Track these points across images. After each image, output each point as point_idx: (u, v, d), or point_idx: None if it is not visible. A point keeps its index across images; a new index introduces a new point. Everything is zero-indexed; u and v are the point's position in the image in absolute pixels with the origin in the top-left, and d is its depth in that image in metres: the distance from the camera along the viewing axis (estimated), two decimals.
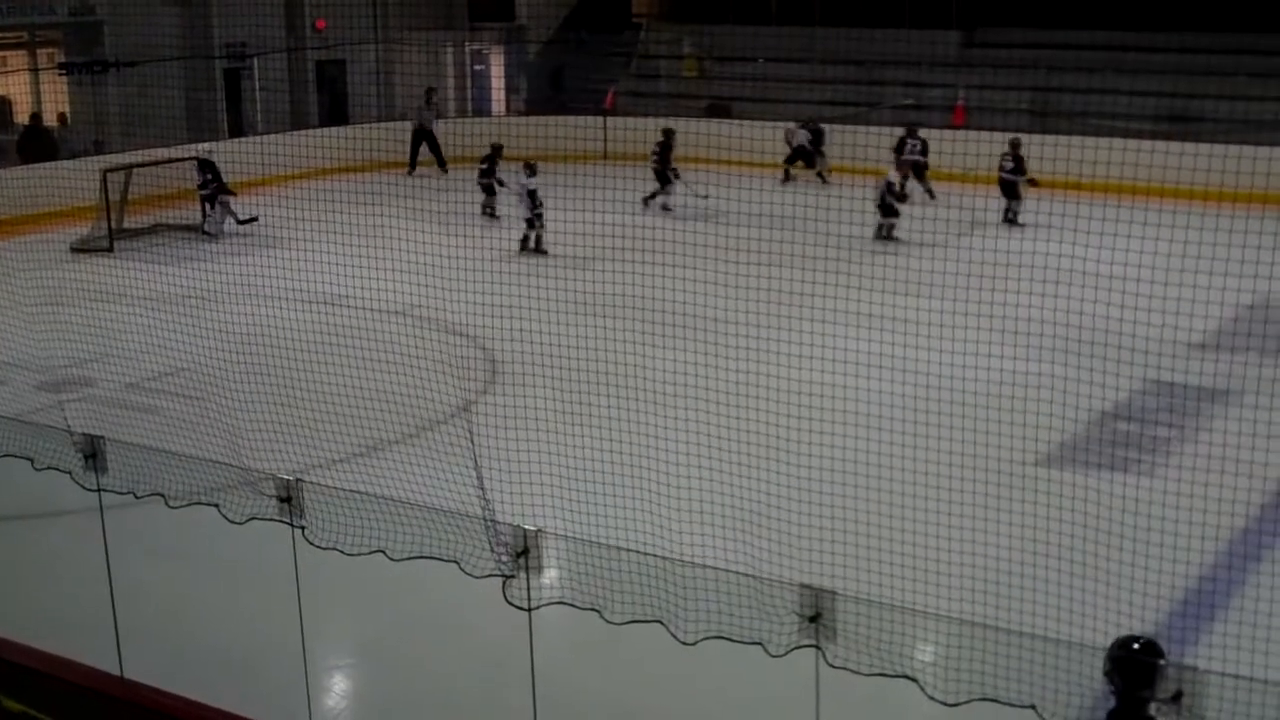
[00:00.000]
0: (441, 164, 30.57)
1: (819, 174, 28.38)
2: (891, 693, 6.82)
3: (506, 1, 38.00)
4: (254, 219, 25.07)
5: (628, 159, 25.72)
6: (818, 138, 28.55)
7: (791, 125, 28.98)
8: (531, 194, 22.83)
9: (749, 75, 34.02)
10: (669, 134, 26.89)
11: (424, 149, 31.02)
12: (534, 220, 22.86)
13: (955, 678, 6.44)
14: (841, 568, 8.55)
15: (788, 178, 28.30)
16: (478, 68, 38.38)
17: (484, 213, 25.56)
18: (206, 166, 25.16)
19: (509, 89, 38.38)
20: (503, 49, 38.34)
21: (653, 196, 26.49)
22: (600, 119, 31.17)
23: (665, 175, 26.74)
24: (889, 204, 23.43)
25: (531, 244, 22.96)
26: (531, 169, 23.12)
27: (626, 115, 31.66)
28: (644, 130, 28.30)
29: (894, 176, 23.94)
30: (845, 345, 12.25)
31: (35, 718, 7.30)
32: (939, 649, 6.81)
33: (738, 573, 7.03)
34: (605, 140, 30.04)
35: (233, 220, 25.19)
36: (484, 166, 25.96)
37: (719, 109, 32.63)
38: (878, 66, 31.88)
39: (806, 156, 28.68)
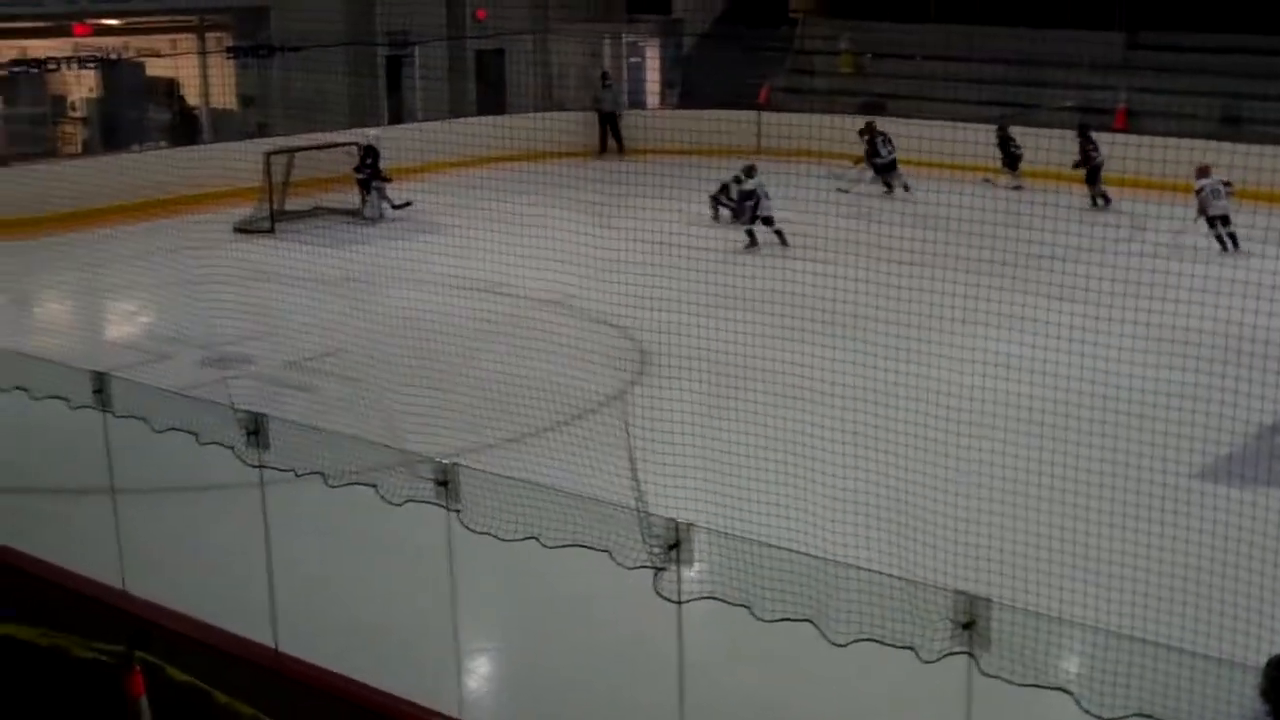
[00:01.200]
0: (620, 146, 31.78)
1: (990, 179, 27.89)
2: (1043, 704, 6.71)
3: None
4: (408, 204, 25.45)
5: (781, 155, 25.62)
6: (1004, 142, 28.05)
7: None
8: (748, 194, 22.77)
9: (906, 73, 33.66)
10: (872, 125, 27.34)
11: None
12: (758, 220, 22.83)
13: (1110, 692, 6.32)
14: (994, 574, 8.45)
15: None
16: (633, 60, 38.52)
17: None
18: (369, 152, 25.60)
19: (664, 82, 38.46)
20: (658, 42, 38.42)
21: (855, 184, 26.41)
22: (754, 114, 31.09)
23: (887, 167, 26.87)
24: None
25: (777, 239, 22.71)
26: (749, 171, 23.15)
27: (781, 111, 31.51)
28: (798, 126, 28.14)
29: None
30: (1001, 349, 12.11)
31: (198, 687, 7.50)
32: (1094, 662, 6.69)
33: (891, 575, 6.97)
34: (759, 136, 29.95)
35: (388, 205, 25.61)
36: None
37: (874, 107, 32.33)
38: (1038, 67, 31.33)
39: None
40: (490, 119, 30.89)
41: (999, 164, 27.13)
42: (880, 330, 14.32)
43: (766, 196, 22.88)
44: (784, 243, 22.30)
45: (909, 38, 34.19)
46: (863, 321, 14.34)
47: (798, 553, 7.16)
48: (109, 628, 8.38)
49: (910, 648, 6.65)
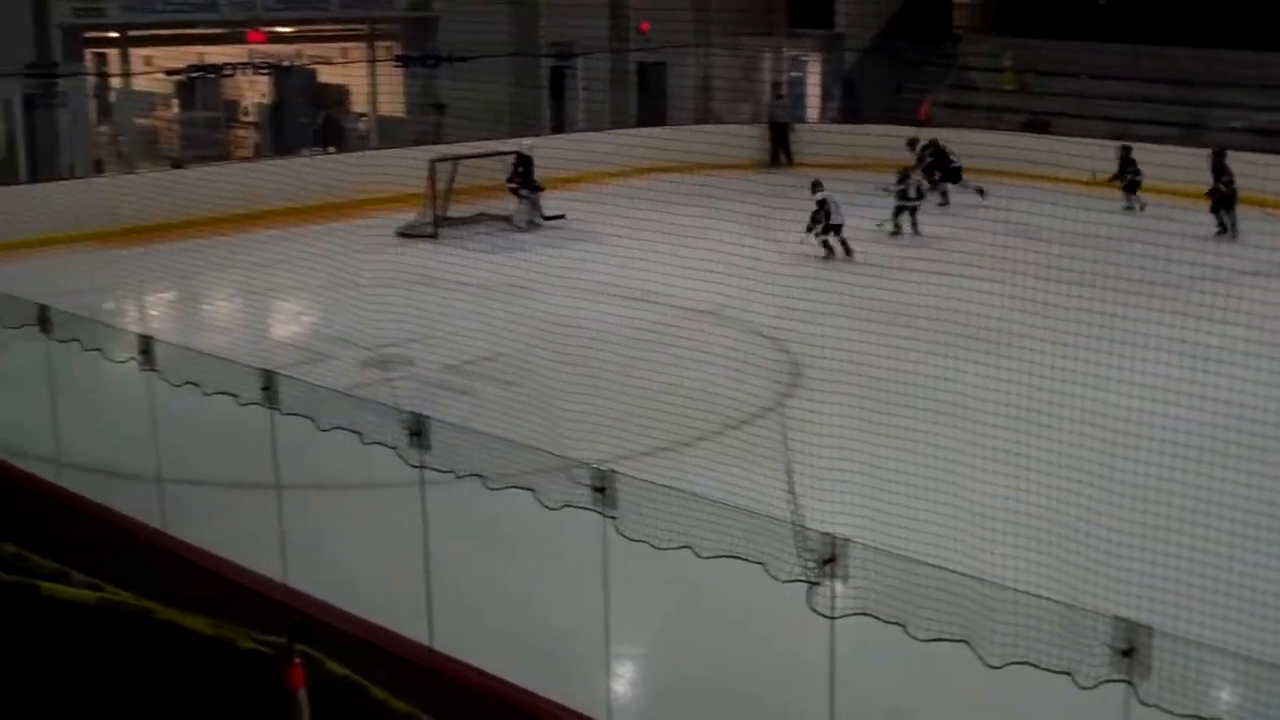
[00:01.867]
0: (789, 158, 32.02)
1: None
2: None
3: (826, 9, 37.92)
4: (560, 217, 25.65)
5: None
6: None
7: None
8: (822, 203, 22.87)
9: (1070, 91, 33.14)
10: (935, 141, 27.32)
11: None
12: (827, 229, 23.00)
13: None
14: (1153, 601, 8.29)
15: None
16: (794, 74, 38.47)
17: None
18: (521, 160, 25.89)
19: (824, 96, 38.35)
20: (819, 56, 38.33)
21: None
22: (915, 130, 30.85)
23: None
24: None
25: (838, 251, 22.95)
26: (815, 186, 23.25)
27: (942, 127, 31.22)
28: (958, 143, 27.94)
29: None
30: (1161, 372, 11.87)
31: (355, 681, 7.66)
32: (1254, 694, 6.54)
33: (1049, 599, 6.89)
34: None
35: (539, 215, 25.84)
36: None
37: (1037, 124, 31.90)
38: (1203, 87, 30.64)
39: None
40: (651, 130, 31.09)
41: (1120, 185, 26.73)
42: (1037, 349, 14.11)
43: (837, 206, 23.06)
44: (848, 252, 22.72)
45: (1073, 56, 33.66)
46: (1019, 340, 14.14)
47: (953, 572, 7.10)
48: (270, 620, 8.60)
49: (1067, 673, 6.57)
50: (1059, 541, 10.24)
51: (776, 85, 34.44)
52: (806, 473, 10.25)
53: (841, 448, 11.22)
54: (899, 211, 24.99)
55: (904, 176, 25.40)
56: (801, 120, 35.21)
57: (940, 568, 7.24)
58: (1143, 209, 25.51)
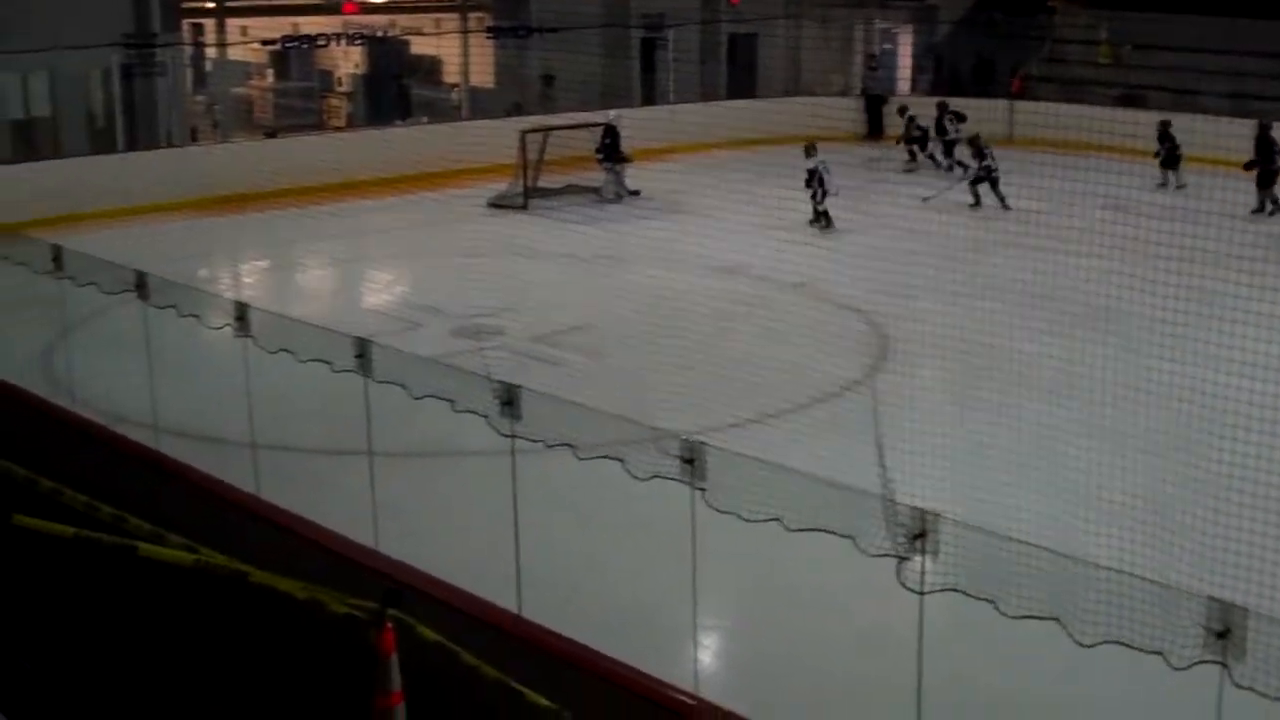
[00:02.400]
0: (881, 131, 32.30)
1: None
2: None
3: None
4: (637, 193, 25.63)
5: (1034, 144, 25.09)
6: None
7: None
8: (813, 171, 22.72)
9: (1165, 65, 32.60)
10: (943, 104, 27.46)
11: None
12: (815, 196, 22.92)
13: None
14: (1250, 583, 8.17)
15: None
16: (886, 46, 38.18)
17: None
18: (608, 132, 25.89)
19: (916, 69, 38.03)
20: (911, 28, 37.99)
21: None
22: (1007, 103, 30.54)
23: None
24: None
25: (820, 221, 22.90)
26: (809, 150, 23.11)
27: (1034, 100, 30.86)
28: (1051, 116, 27.56)
29: None
30: (1261, 349, 11.65)
31: (446, 647, 7.71)
32: None
33: (1142, 578, 6.80)
34: (1011, 124, 29.40)
35: (622, 188, 25.82)
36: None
37: (1132, 99, 31.42)
38: None
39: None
40: (742, 102, 31.02)
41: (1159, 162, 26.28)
42: (1132, 325, 13.95)
43: (828, 172, 22.86)
44: (828, 222, 22.45)
45: (1170, 29, 33.09)
46: (1115, 315, 13.98)
47: (1045, 549, 7.02)
48: (361, 585, 8.69)
49: (1159, 653, 6.48)
50: (1154, 519, 10.11)
51: (871, 57, 34.17)
52: (897, 447, 10.19)
53: (933, 422, 11.16)
54: (977, 181, 24.73)
55: (980, 148, 25.11)
56: (893, 93, 34.94)
57: (1032, 544, 7.16)
58: (1180, 187, 25.09)
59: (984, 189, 24.61)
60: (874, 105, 32.89)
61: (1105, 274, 13.43)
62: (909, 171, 27.89)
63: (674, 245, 19.45)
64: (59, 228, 19.43)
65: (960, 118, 28.28)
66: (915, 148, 29.28)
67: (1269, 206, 23.83)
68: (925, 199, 23.92)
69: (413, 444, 12.04)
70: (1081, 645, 6.72)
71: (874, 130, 32.34)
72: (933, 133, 28.80)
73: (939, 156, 28.52)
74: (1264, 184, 23.90)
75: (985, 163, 24.68)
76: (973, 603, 7.03)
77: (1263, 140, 24.17)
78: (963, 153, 26.72)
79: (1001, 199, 24.36)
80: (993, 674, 9.14)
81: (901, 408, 11.70)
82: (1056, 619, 6.79)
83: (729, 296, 16.04)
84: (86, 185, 23.00)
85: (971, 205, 24.49)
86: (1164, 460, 10.99)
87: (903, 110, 29.47)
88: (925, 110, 28.90)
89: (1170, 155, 26.11)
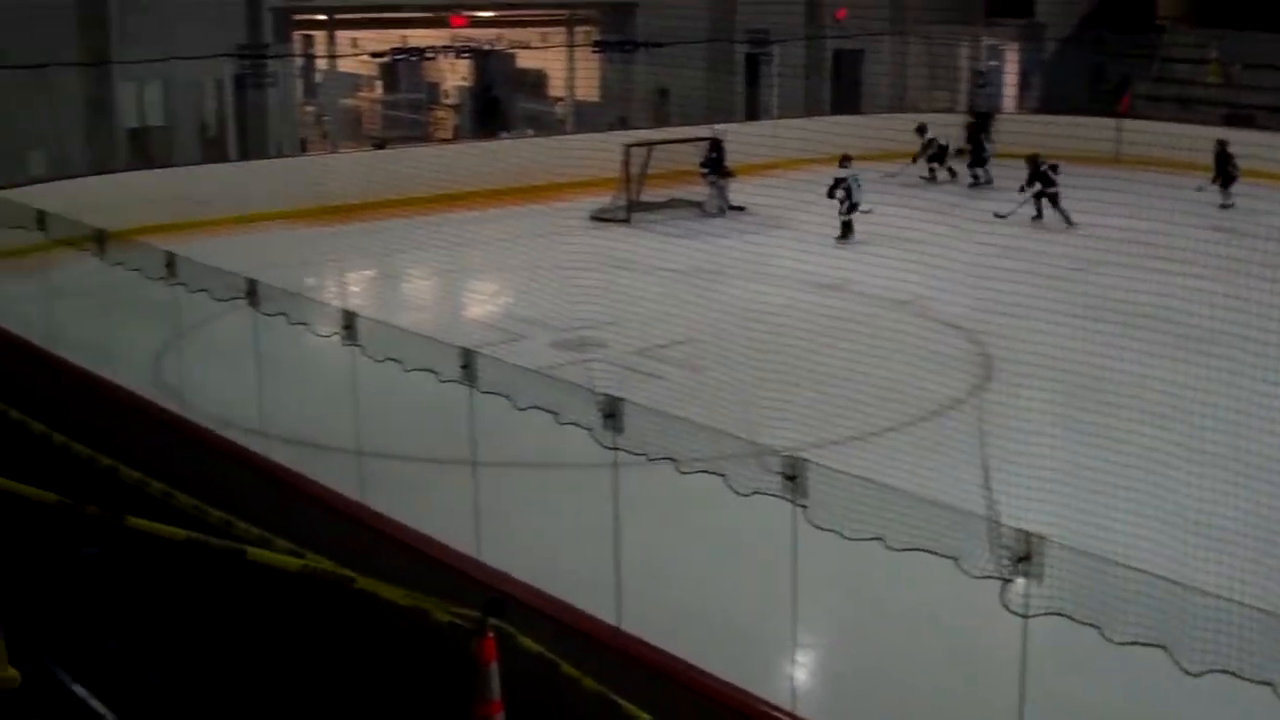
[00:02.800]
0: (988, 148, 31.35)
1: None
2: None
3: None
4: (741, 209, 25.64)
5: (1143, 163, 24.77)
6: None
7: None
8: (840, 180, 22.79)
9: (1276, 84, 32.05)
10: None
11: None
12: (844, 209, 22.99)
13: None
14: None
15: None
16: (991, 63, 37.89)
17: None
18: (713, 146, 25.93)
19: (1021, 85, 37.70)
20: (1017, 45, 37.68)
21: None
22: (1114, 121, 30.18)
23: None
24: None
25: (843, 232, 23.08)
26: (843, 161, 23.24)
27: (1142, 119, 30.47)
28: (1160, 135, 27.20)
29: None
30: None
31: (546, 658, 7.78)
32: None
33: (1251, 606, 6.70)
34: (1118, 143, 29.06)
35: (726, 203, 25.84)
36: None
37: (1240, 118, 30.93)
38: None
39: None
40: (845, 118, 30.94)
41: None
42: (1241, 349, 13.70)
43: (858, 186, 23.00)
44: (848, 234, 22.69)
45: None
46: (1221, 338, 13.75)
47: (1152, 575, 6.94)
48: (462, 593, 8.78)
49: (1269, 684, 6.39)
50: (1262, 546, 9.94)
51: (978, 74, 33.91)
52: (1000, 468, 10.10)
53: (1037, 444, 11.05)
54: (1038, 198, 24.53)
55: (1039, 166, 24.85)
56: (999, 110, 34.66)
57: (1138, 570, 7.08)
58: (1227, 205, 24.89)
59: (1045, 205, 24.59)
60: (981, 122, 32.57)
61: (1211, 296, 13.22)
62: (933, 182, 28.37)
63: (776, 260, 19.44)
64: (172, 235, 19.81)
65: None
66: (935, 165, 29.23)
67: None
68: (1000, 215, 23.72)
69: (515, 454, 12.12)
70: (1189, 674, 6.63)
71: (977, 148, 31.95)
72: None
73: (958, 169, 28.91)
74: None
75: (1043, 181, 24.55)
76: (1076, 627, 6.97)
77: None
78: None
79: (1065, 216, 24.21)
80: (1095, 700, 9.03)
81: (1005, 428, 11.60)
82: (1163, 646, 6.70)
83: (830, 312, 15.97)
84: (199, 193, 23.42)
85: (1034, 218, 24.45)
86: (1272, 486, 10.80)
87: (922, 129, 29.30)
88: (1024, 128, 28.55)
89: (1229, 175, 25.94)
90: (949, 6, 36.16)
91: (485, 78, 33.25)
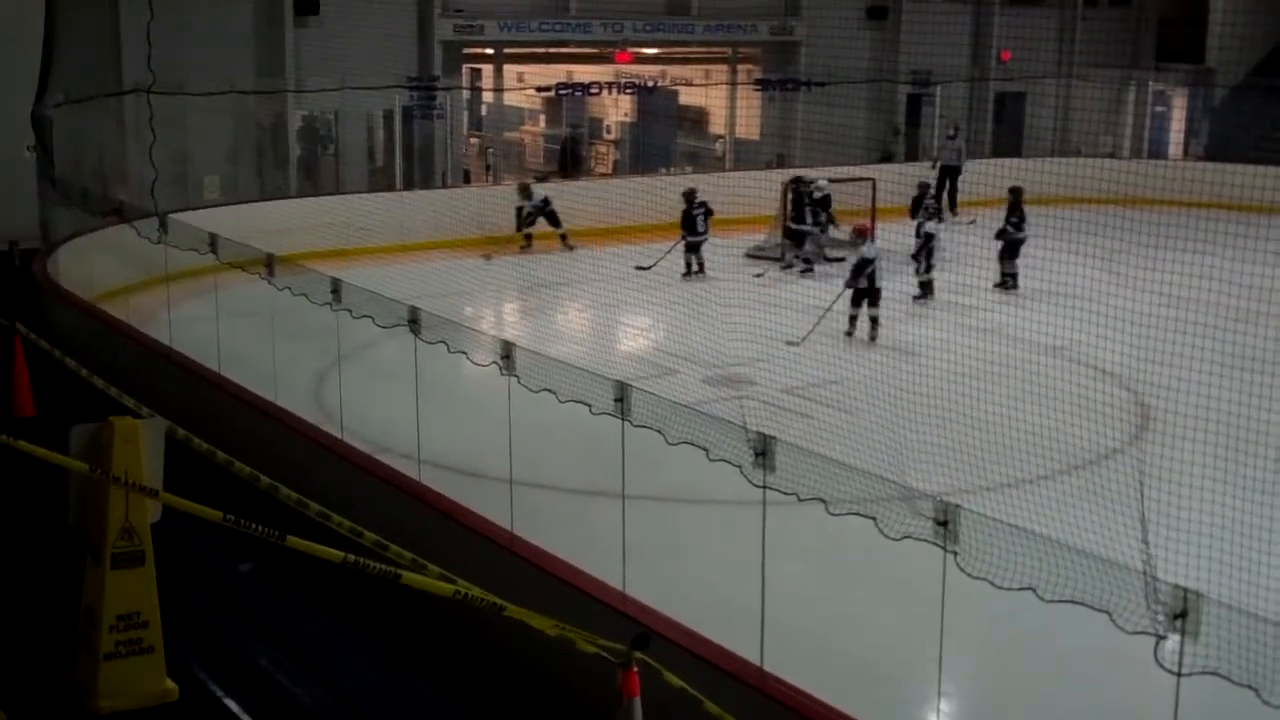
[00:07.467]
0: (953, 207, 29.81)
1: None
2: None
3: (1197, 43, 36.56)
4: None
5: None
6: None
7: None
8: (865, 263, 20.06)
9: None
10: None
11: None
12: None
13: None
14: None
15: None
16: (1158, 109, 37.25)
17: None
18: (824, 202, 25.46)
19: (1189, 133, 36.99)
20: (1186, 91, 36.99)
21: None
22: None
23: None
24: None
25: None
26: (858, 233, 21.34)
27: None
28: None
29: None
30: None
31: (690, 694, 7.82)
32: None
33: None
34: None
35: (821, 257, 25.12)
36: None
37: None
38: None
39: None
40: (1007, 161, 30.56)
41: None
42: None
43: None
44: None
45: None
46: None
47: None
48: (607, 626, 8.85)
49: None
50: None
51: (956, 128, 32.28)
52: (1157, 520, 9.93)
53: (1195, 497, 10.83)
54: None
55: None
56: (1164, 157, 34.03)
57: None
58: None
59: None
60: (948, 177, 31.14)
61: None
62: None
63: (930, 303, 19.30)
64: (338, 261, 20.29)
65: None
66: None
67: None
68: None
69: (665, 489, 12.19)
70: None
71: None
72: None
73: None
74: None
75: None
76: (1231, 688, 6.82)
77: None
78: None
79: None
80: None
81: (1162, 480, 11.38)
82: None
83: (984, 356, 15.81)
84: (365, 221, 23.97)
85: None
86: None
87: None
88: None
89: None
90: (1117, 49, 35.65)
91: (661, 114, 33.32)
